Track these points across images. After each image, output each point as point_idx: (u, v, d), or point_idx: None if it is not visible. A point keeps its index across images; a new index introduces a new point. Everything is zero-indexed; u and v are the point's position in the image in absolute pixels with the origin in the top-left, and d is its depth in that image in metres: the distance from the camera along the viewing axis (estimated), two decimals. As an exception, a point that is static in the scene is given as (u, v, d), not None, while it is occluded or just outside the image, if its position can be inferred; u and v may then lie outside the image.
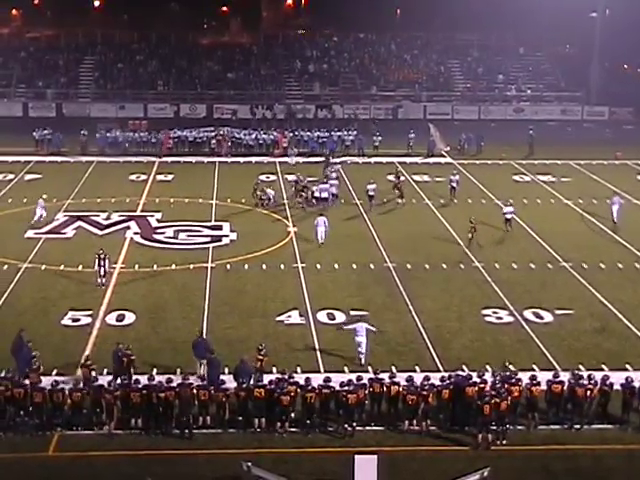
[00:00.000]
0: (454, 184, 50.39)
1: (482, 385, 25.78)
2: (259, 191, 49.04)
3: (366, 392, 25.77)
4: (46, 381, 26.30)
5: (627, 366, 29.30)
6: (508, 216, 44.82)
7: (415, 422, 25.57)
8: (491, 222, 45.62)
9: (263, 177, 54.04)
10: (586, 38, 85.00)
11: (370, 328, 30.02)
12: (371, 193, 48.67)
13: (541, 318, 33.89)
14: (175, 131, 63.37)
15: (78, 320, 32.87)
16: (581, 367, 28.62)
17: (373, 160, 60.90)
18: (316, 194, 48.85)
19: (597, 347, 31.23)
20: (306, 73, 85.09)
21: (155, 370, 27.83)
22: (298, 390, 25.44)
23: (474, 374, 26.55)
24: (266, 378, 26.38)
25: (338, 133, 63.97)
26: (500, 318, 33.82)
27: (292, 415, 25.43)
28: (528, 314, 34.13)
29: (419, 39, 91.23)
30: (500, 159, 61.42)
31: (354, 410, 25.41)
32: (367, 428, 25.56)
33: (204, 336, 29.40)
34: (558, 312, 34.38)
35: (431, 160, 61.31)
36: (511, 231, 44.45)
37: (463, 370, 28.03)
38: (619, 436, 25.44)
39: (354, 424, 25.37)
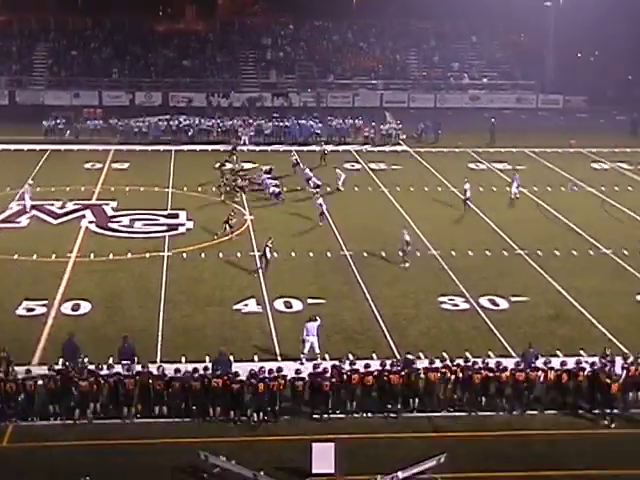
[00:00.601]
0: (468, 194, 46.22)
1: (444, 370, 26.14)
2: (226, 179, 48.78)
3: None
4: None
5: (581, 352, 29.62)
6: (468, 194, 45.36)
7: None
8: (446, 210, 45.90)
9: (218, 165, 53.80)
10: (540, 27, 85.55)
11: (318, 324, 29.32)
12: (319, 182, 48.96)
13: (497, 305, 34.17)
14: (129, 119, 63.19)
15: (33, 310, 32.57)
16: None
17: (341, 148, 61.13)
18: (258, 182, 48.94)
19: (552, 334, 31.56)
20: (262, 61, 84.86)
21: (111, 359, 27.63)
22: (252, 380, 25.37)
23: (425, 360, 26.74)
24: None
25: (305, 121, 64.01)
26: (456, 305, 34.06)
27: (249, 407, 25.43)
28: (484, 301, 34.40)
29: (374, 27, 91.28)
30: (456, 147, 61.79)
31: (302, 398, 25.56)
32: (325, 416, 25.65)
33: (127, 342, 27.98)
34: (513, 299, 34.69)
35: (387, 148, 61.57)
36: (467, 211, 45.13)
37: (419, 357, 28.17)
38: (572, 421, 25.81)
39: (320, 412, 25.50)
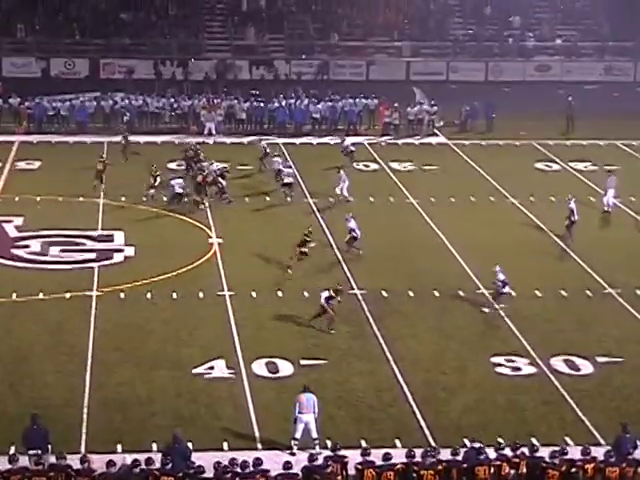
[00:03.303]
0: (573, 217, 45.72)
1: (499, 463, 26.17)
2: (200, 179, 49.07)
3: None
4: None
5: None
6: (575, 216, 45.07)
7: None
8: (504, 231, 46.11)
9: (173, 165, 54.08)
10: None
11: (314, 401, 29.29)
12: (287, 180, 49.90)
13: (577, 369, 34.23)
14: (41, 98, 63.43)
15: None
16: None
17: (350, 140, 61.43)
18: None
19: (658, 410, 31.63)
20: (236, 13, 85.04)
21: (13, 448, 27.61)
22: (220, 478, 25.39)
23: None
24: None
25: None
26: (517, 369, 34.12)
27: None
28: (558, 363, 34.46)
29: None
30: (517, 139, 61.96)
31: None
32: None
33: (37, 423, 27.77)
34: (601, 360, 34.74)
35: (417, 140, 61.85)
36: (571, 241, 45.10)
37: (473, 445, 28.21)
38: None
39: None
